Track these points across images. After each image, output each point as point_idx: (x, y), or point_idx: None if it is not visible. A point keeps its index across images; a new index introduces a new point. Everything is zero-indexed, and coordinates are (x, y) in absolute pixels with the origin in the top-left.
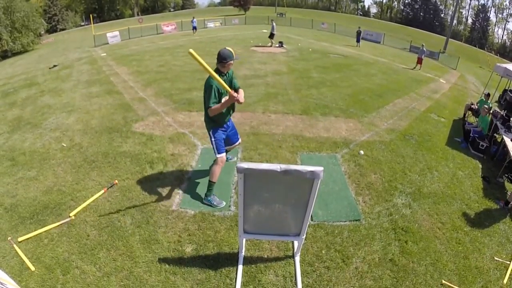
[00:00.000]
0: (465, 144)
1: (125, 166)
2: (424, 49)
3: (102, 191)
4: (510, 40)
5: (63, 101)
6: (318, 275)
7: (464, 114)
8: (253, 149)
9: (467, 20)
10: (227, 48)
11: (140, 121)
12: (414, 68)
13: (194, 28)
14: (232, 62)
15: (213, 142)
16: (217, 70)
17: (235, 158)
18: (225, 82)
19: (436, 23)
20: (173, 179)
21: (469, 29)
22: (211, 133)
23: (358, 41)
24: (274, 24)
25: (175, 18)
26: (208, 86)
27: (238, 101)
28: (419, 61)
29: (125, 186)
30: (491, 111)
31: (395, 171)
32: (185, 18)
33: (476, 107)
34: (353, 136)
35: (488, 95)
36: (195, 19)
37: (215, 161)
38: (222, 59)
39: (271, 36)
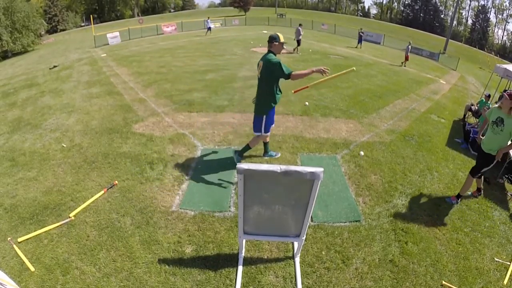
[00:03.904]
0: (465, 145)
1: (125, 166)
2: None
3: (102, 192)
4: (510, 41)
5: (63, 102)
6: (318, 276)
7: (464, 115)
8: (253, 149)
9: (467, 21)
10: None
11: (140, 122)
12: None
13: (209, 28)
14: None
15: (264, 122)
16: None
17: (280, 154)
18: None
19: (436, 24)
20: (173, 180)
21: (469, 30)
22: (266, 111)
23: (359, 42)
24: (300, 28)
25: (175, 19)
26: (276, 61)
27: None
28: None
29: (125, 186)
30: None
31: (395, 172)
32: (185, 18)
33: (476, 108)
34: (353, 137)
35: (489, 96)
36: (209, 20)
37: (258, 136)
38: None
39: (298, 43)
